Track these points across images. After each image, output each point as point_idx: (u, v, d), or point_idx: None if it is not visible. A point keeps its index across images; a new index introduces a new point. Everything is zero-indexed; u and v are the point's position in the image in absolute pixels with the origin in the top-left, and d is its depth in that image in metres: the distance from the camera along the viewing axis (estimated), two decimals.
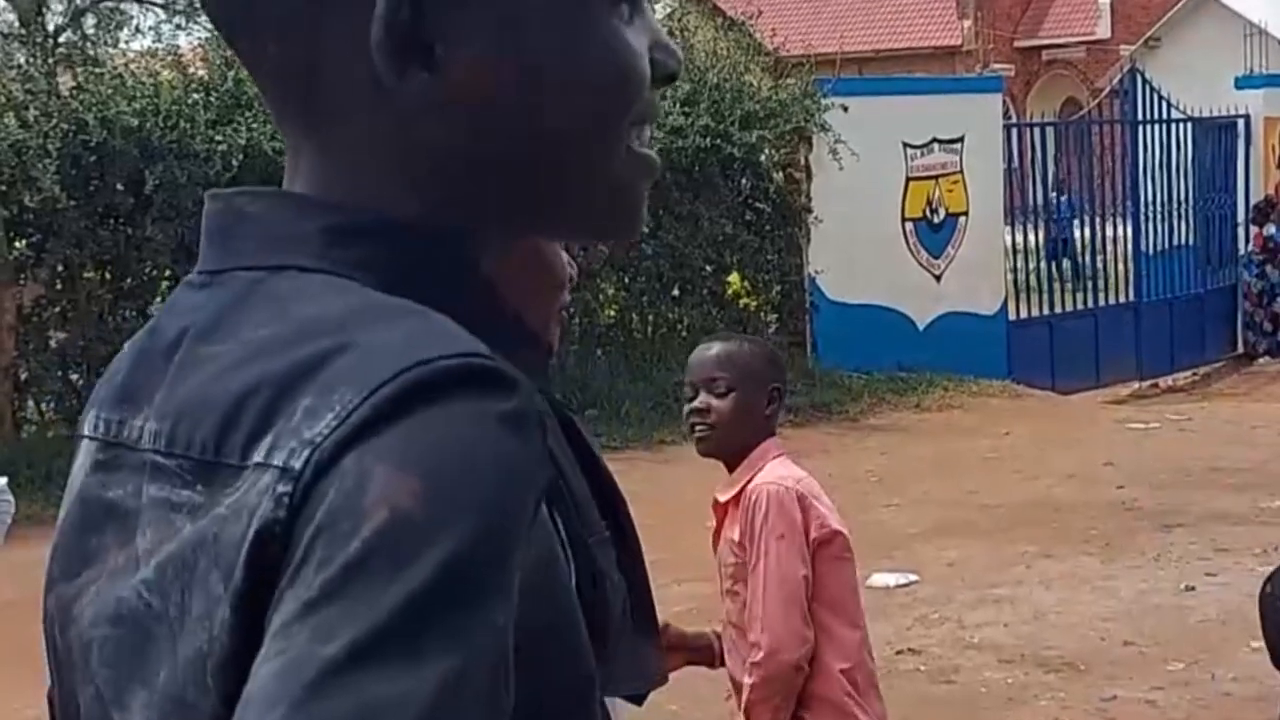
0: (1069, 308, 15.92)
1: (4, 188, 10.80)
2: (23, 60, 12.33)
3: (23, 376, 11.32)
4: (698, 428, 3.26)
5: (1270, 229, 17.35)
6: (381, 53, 0.95)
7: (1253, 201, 17.58)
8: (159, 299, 11.45)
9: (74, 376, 11.37)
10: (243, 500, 0.86)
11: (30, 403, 11.48)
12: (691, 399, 3.27)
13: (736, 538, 3.23)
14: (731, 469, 3.28)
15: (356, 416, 0.84)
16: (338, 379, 0.86)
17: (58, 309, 11.31)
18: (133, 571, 0.94)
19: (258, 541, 0.85)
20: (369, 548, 0.80)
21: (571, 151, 1.00)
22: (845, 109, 13.67)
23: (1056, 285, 16.25)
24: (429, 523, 0.81)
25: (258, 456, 0.87)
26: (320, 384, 0.87)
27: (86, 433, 1.02)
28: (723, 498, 3.27)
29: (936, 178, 14.59)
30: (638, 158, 1.03)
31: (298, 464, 0.85)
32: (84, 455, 1.02)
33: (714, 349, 3.32)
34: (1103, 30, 38.46)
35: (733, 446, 3.25)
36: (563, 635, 0.95)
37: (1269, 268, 17.32)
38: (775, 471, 3.23)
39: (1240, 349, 17.47)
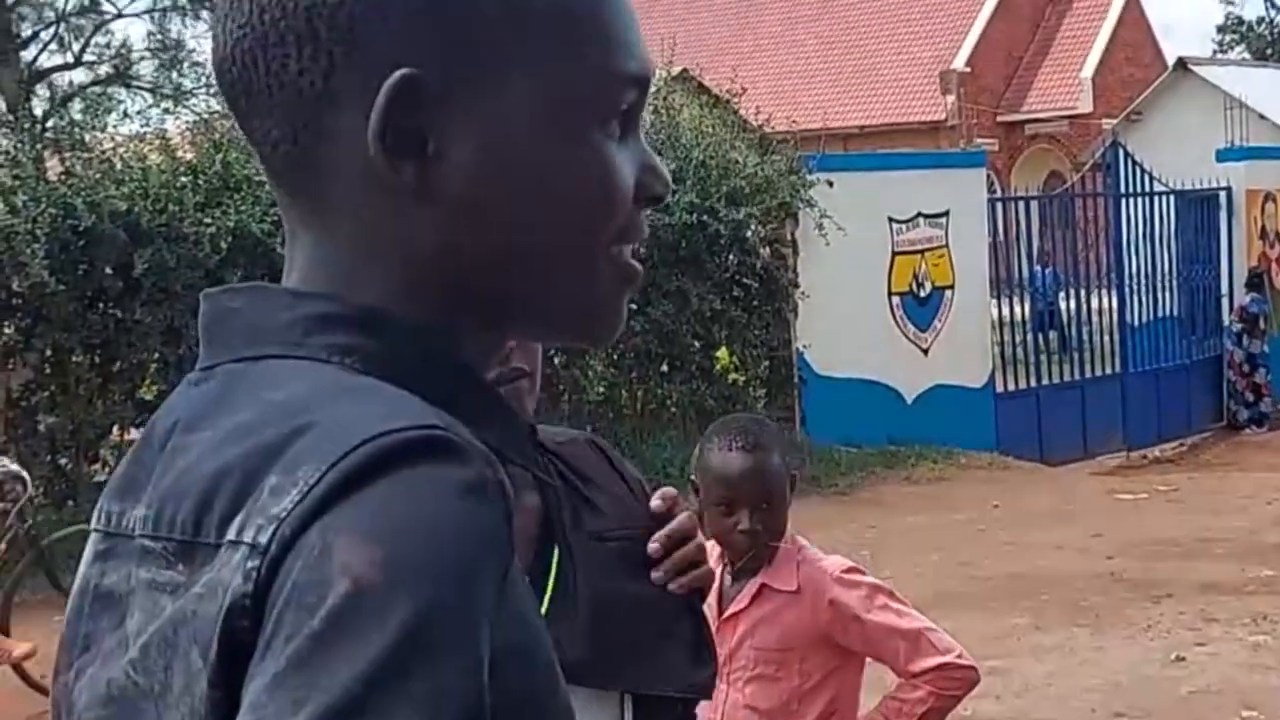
0: (1055, 379, 15.93)
1: None
2: (10, 146, 12.30)
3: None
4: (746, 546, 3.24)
5: (1246, 299, 17.44)
6: (377, 142, 0.98)
7: (1237, 273, 17.67)
8: (148, 382, 11.43)
9: (63, 461, 11.32)
10: (217, 578, 0.89)
11: None
12: (727, 514, 3.19)
13: (796, 624, 3.22)
14: (757, 559, 3.26)
15: (318, 490, 0.87)
16: (301, 456, 0.89)
17: (47, 393, 11.27)
18: (123, 654, 0.96)
19: (230, 616, 0.88)
20: (332, 618, 0.83)
21: (550, 262, 1.03)
22: (831, 184, 13.74)
23: (1043, 357, 16.27)
24: (390, 591, 0.83)
25: (230, 535, 0.90)
26: (285, 462, 0.90)
27: (93, 525, 1.06)
28: (787, 587, 3.24)
29: (922, 251, 14.65)
30: (619, 269, 1.06)
31: (264, 539, 0.88)
32: (89, 547, 1.05)
33: (743, 465, 3.18)
34: (1084, 104, 38.72)
35: (777, 543, 3.27)
36: (540, 704, 0.96)
37: (1246, 338, 17.39)
38: (829, 557, 3.36)
39: (1226, 419, 17.50)
